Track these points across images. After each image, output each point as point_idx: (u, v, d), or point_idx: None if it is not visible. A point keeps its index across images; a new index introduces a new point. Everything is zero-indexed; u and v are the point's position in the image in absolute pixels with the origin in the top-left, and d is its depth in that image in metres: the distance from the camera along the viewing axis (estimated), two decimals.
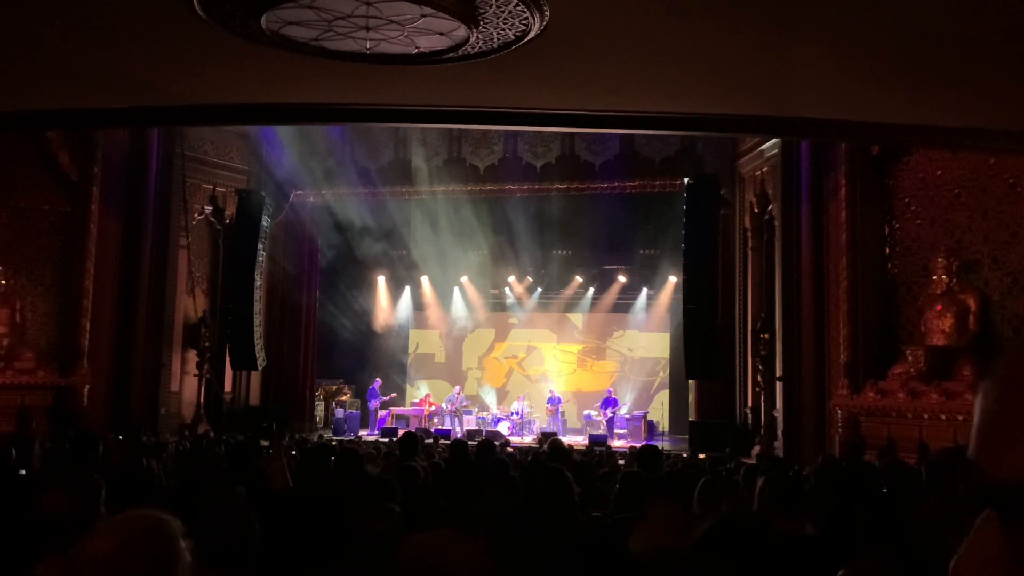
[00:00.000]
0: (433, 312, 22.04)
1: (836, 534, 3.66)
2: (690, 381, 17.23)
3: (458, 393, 19.35)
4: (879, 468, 7.01)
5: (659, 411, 20.02)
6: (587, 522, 4.15)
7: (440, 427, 17.78)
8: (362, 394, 20.15)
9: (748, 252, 16.18)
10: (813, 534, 3.65)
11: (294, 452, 8.54)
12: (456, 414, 18.75)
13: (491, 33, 5.75)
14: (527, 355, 21.96)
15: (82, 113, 8.26)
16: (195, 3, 5.23)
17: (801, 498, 3.71)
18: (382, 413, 18.87)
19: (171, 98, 7.59)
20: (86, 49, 6.21)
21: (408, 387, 21.73)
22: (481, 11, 5.40)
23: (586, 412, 19.38)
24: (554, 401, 19.04)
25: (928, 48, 5.58)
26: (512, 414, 18.90)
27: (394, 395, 19.88)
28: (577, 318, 21.65)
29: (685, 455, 11.99)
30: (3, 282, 13.96)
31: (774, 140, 14.32)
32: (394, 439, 15.15)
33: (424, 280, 21.52)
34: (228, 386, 17.82)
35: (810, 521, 3.71)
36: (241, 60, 6.47)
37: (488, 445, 7.10)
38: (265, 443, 9.87)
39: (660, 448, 7.08)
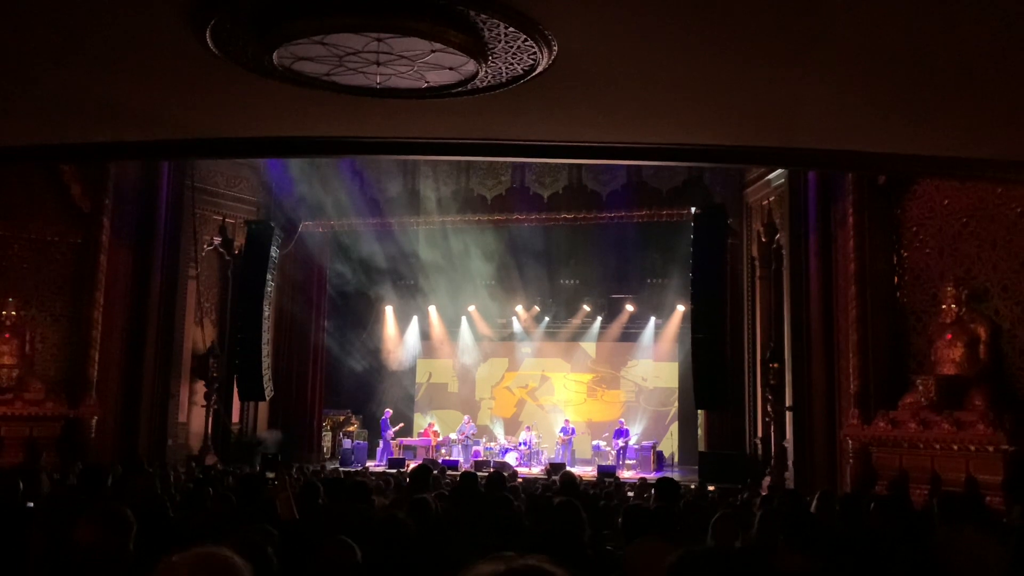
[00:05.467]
0: (441, 342, 22.01)
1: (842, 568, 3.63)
2: (699, 411, 17.12)
3: (468, 422, 19.29)
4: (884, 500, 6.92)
5: (669, 441, 19.88)
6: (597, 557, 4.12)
7: (447, 458, 17.70)
8: (369, 424, 20.11)
9: (756, 281, 16.15)
10: (819, 569, 3.61)
11: (300, 480, 8.52)
12: (472, 438, 18.80)
13: (500, 67, 5.80)
14: (539, 385, 21.86)
15: (95, 147, 8.34)
16: (208, 39, 5.30)
17: (815, 534, 3.68)
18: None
19: (183, 132, 7.66)
20: (100, 84, 6.29)
21: (417, 416, 21.65)
22: (490, 47, 5.45)
23: (595, 442, 19.26)
24: (567, 431, 18.92)
25: (936, 79, 5.61)
26: (520, 444, 18.79)
27: (402, 425, 19.85)
28: (590, 347, 21.56)
29: (693, 486, 11.88)
30: (14, 313, 14.00)
31: (781, 169, 14.34)
32: (401, 470, 15.12)
33: (432, 310, 21.52)
34: (236, 416, 17.80)
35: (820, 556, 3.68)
36: (253, 94, 6.54)
37: (498, 478, 7.06)
38: (271, 475, 9.83)
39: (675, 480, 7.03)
